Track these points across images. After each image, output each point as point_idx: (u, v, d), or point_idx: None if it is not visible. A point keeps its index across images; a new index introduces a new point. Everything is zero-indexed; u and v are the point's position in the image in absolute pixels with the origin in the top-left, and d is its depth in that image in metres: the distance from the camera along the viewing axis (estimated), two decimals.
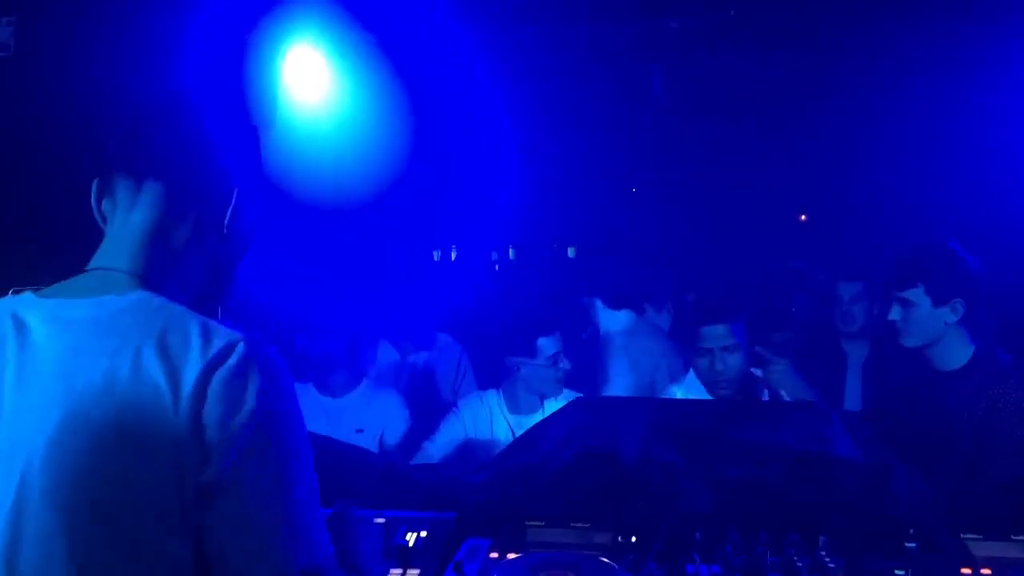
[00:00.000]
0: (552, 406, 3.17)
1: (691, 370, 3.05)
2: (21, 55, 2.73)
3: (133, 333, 1.15)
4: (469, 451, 3.14)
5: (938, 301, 2.66)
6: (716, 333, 2.92)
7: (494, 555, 1.87)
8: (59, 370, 1.14)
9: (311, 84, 3.87)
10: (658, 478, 2.07)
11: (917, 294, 2.67)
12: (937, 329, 2.68)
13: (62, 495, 1.10)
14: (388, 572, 1.81)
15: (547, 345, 3.09)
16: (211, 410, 1.11)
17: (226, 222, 1.31)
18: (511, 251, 7.81)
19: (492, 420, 3.19)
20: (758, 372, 3.00)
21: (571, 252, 7.81)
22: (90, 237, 1.63)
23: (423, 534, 1.95)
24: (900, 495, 2.04)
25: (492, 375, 3.47)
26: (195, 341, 1.14)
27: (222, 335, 1.15)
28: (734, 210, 6.65)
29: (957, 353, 2.71)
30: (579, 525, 1.99)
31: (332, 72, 3.93)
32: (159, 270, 1.26)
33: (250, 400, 1.12)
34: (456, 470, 2.70)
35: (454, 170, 4.94)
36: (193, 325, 1.17)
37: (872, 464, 2.08)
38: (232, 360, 1.13)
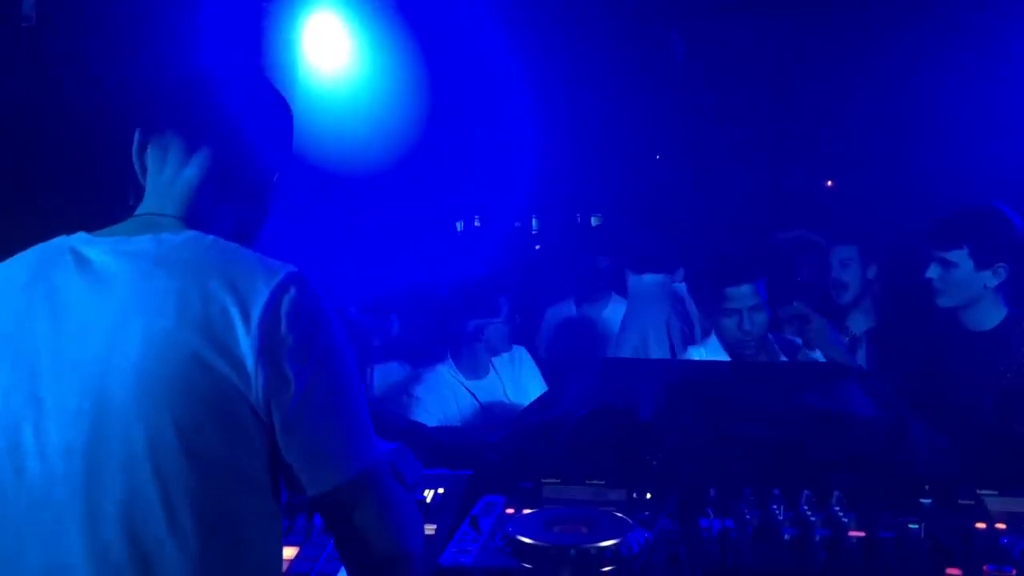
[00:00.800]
0: (500, 363, 3.26)
1: (712, 333, 3.05)
2: (43, 25, 2.76)
3: (195, 264, 1.24)
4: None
5: (981, 264, 2.63)
6: (742, 293, 2.93)
7: (510, 511, 1.90)
8: (129, 294, 1.22)
9: (331, 51, 3.87)
10: (673, 437, 2.09)
11: (961, 255, 2.64)
12: (977, 291, 2.66)
13: (143, 407, 1.17)
14: None
15: (505, 302, 3.20)
16: (283, 338, 1.20)
17: (265, 193, 1.45)
18: (534, 220, 7.80)
19: (454, 391, 3.19)
20: (794, 337, 3.01)
21: (595, 221, 7.79)
22: (112, 205, 1.67)
23: (440, 491, 1.98)
24: (916, 452, 2.04)
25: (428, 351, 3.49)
26: (257, 272, 1.24)
27: (279, 266, 1.26)
28: (758, 176, 6.59)
29: (990, 315, 2.69)
30: (594, 483, 2.01)
31: (351, 39, 3.92)
32: (201, 223, 1.35)
33: (316, 330, 1.23)
34: (475, 429, 2.73)
35: (473, 139, 4.93)
36: (251, 257, 1.27)
37: (888, 422, 2.08)
38: (295, 291, 1.23)
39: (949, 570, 1.58)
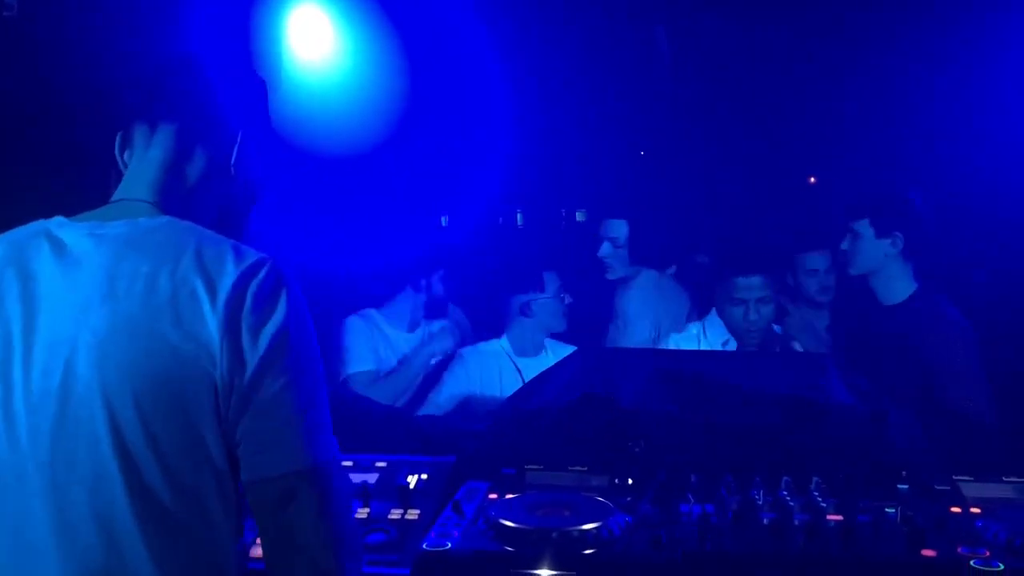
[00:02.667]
0: (554, 346, 3.25)
1: (702, 321, 3.06)
2: (25, 15, 2.74)
3: (168, 248, 1.25)
4: (475, 401, 3.18)
5: (881, 233, 2.95)
6: (752, 284, 2.95)
7: (493, 496, 1.91)
8: (101, 275, 1.22)
9: (314, 43, 3.90)
10: (655, 424, 2.10)
11: (863, 225, 2.96)
12: (879, 259, 2.97)
13: (107, 389, 1.17)
14: (389, 512, 1.86)
15: (552, 278, 3.22)
16: (245, 316, 1.20)
17: (232, 163, 1.43)
18: (519, 216, 7.80)
19: (500, 367, 3.24)
20: (776, 327, 3.05)
21: (580, 216, 7.80)
22: (92, 195, 1.67)
23: (424, 476, 2.00)
24: (894, 440, 2.07)
25: (491, 325, 3.54)
26: (228, 256, 1.24)
27: (251, 252, 1.27)
28: (742, 173, 6.61)
29: (899, 287, 2.98)
30: (577, 469, 2.03)
31: (335, 31, 3.95)
32: (176, 204, 1.36)
33: (279, 310, 1.23)
34: (458, 418, 2.74)
35: (456, 134, 4.93)
36: (223, 243, 1.28)
37: (866, 410, 2.11)
38: (263, 274, 1.24)
39: (924, 552, 1.60)
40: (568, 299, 3.31)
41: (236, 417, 1.21)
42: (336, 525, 1.24)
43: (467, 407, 3.16)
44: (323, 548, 1.21)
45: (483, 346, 3.33)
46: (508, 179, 5.70)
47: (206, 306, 1.19)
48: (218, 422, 1.21)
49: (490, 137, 4.89)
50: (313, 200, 3.60)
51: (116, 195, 1.38)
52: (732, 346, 2.93)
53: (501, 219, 7.47)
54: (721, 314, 3.00)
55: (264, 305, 1.22)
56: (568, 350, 3.35)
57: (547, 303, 3.25)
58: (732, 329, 2.96)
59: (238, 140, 1.43)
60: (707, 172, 6.49)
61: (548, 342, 3.31)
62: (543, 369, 2.93)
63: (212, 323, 1.18)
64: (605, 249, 3.65)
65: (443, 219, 6.93)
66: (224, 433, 1.21)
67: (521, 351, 3.28)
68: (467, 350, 3.33)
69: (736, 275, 2.95)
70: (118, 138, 1.44)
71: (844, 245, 3.02)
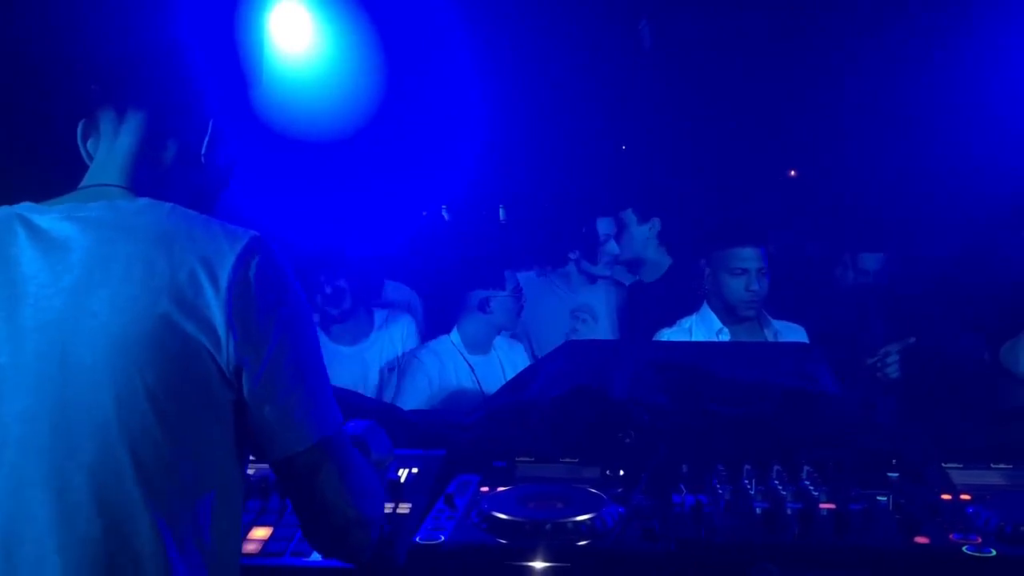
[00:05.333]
0: (500, 344, 3.29)
1: (692, 316, 3.06)
2: None
3: (157, 230, 1.22)
4: (435, 400, 3.16)
5: (641, 220, 3.62)
6: (750, 254, 2.95)
7: (484, 489, 1.90)
8: (91, 259, 1.20)
9: (296, 36, 3.91)
10: (646, 415, 2.10)
11: (628, 214, 3.60)
12: (642, 242, 3.63)
13: (115, 372, 1.15)
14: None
15: (510, 276, 3.25)
16: (252, 301, 1.20)
17: (203, 151, 1.39)
18: (501, 211, 7.78)
19: (455, 363, 3.22)
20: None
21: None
22: (64, 179, 1.63)
23: (414, 470, 1.98)
24: (884, 428, 2.08)
25: (439, 321, 3.52)
26: (221, 237, 1.23)
27: (240, 231, 1.25)
28: (722, 166, 6.63)
29: (658, 265, 3.66)
30: (568, 460, 2.02)
31: (316, 24, 3.96)
32: (148, 191, 1.32)
33: (282, 290, 1.24)
34: (448, 411, 2.72)
35: (434, 127, 4.91)
36: (211, 222, 1.26)
37: (856, 398, 2.11)
38: (260, 255, 1.23)
39: (917, 539, 1.61)
40: (524, 299, 3.31)
41: (252, 400, 1.22)
42: (358, 484, 1.33)
43: (427, 406, 3.14)
44: (349, 507, 1.31)
45: (434, 344, 3.28)
46: (487, 173, 5.69)
47: (208, 289, 1.18)
48: (225, 405, 1.22)
49: (469, 131, 4.88)
50: (289, 186, 3.60)
51: (85, 181, 1.35)
52: (726, 337, 2.93)
53: (478, 214, 7.44)
54: (720, 288, 2.98)
55: (267, 287, 1.22)
56: (516, 348, 3.36)
57: (505, 301, 3.24)
58: (732, 302, 2.95)
59: (209, 128, 1.39)
60: (690, 166, 6.52)
61: (496, 340, 3.31)
62: (492, 366, 2.94)
63: (216, 307, 1.18)
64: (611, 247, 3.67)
65: (440, 210, 6.92)
66: (231, 416, 1.23)
67: (473, 347, 3.25)
68: (421, 351, 3.27)
69: (736, 245, 2.95)
70: (80, 126, 1.40)
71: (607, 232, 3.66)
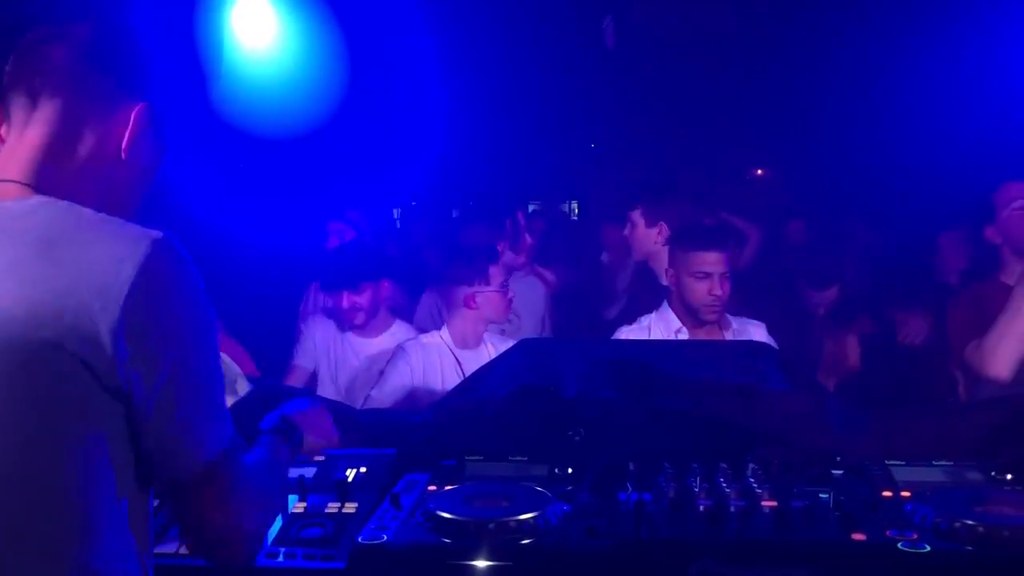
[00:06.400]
0: (493, 339, 3.30)
1: (651, 314, 3.07)
2: None
3: (42, 235, 1.13)
4: (417, 394, 3.16)
5: (649, 223, 3.51)
6: (714, 259, 2.95)
7: (432, 488, 1.90)
8: None
9: (258, 32, 3.91)
10: (596, 413, 2.11)
11: (636, 215, 3.53)
12: (651, 245, 3.53)
13: None
14: (326, 506, 1.84)
15: (497, 273, 3.24)
16: (146, 310, 1.11)
17: (124, 146, 1.28)
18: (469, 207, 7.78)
19: (441, 359, 3.23)
20: None
21: (531, 207, 7.81)
22: None
23: (363, 470, 1.98)
24: (830, 425, 2.10)
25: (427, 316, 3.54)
26: (118, 240, 1.13)
27: (142, 234, 1.15)
28: (689, 165, 6.68)
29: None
30: (517, 459, 2.03)
31: (278, 20, 3.96)
32: (54, 188, 1.21)
33: (181, 301, 1.16)
34: (399, 411, 2.72)
35: (397, 125, 4.91)
36: (110, 224, 1.16)
37: (803, 396, 2.14)
38: (160, 260, 1.13)
39: (855, 535, 1.63)
40: (511, 293, 3.32)
41: (145, 418, 1.15)
42: (245, 494, 1.26)
43: (409, 401, 3.15)
44: (231, 520, 1.24)
45: (424, 339, 3.31)
46: (454, 170, 5.70)
47: (94, 302, 1.08)
48: (112, 421, 1.13)
49: (433, 128, 4.89)
50: (250, 181, 3.59)
51: None
52: (684, 336, 2.94)
53: (454, 212, 7.46)
54: (682, 291, 2.99)
55: (167, 302, 1.14)
56: (507, 343, 3.37)
57: (491, 296, 3.25)
58: (694, 306, 2.95)
59: (131, 122, 1.28)
60: (658, 162, 6.56)
61: (487, 335, 3.31)
62: (482, 362, 2.95)
63: (104, 321, 1.08)
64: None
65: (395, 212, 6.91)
66: (122, 432, 1.15)
67: (462, 343, 3.27)
68: (409, 344, 3.30)
69: (699, 249, 2.96)
70: None
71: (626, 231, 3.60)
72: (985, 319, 2.61)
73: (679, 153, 6.56)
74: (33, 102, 1.25)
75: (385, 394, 3.16)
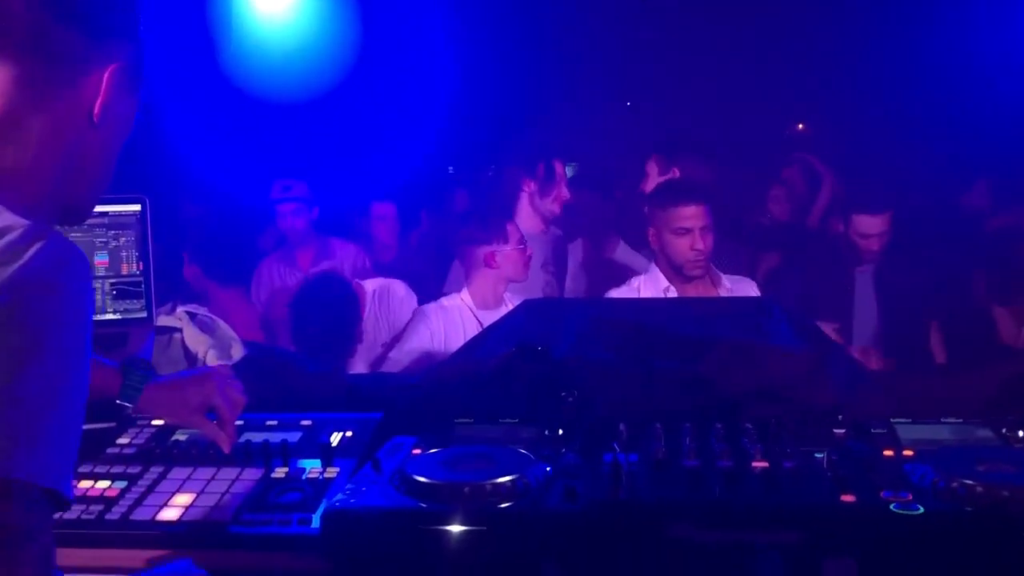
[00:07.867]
0: (512, 298, 3.29)
1: (641, 276, 3.02)
2: None
3: None
4: (437, 357, 3.15)
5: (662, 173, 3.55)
6: (692, 212, 2.89)
7: (417, 451, 1.87)
8: None
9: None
10: (589, 373, 2.05)
11: (650, 165, 3.53)
12: None
13: None
14: (307, 470, 1.82)
15: (514, 230, 3.24)
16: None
17: (96, 112, 1.13)
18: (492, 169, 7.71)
19: (463, 320, 3.22)
20: None
21: (570, 170, 7.69)
22: None
23: (348, 434, 1.96)
24: (834, 383, 2.01)
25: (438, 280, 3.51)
26: None
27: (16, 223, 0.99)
28: (729, 119, 6.51)
29: None
30: (507, 421, 1.98)
31: None
32: (5, 165, 1.08)
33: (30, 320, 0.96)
34: (390, 374, 2.70)
35: (413, 86, 4.85)
36: None
37: (806, 352, 2.04)
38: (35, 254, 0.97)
39: (844, 497, 1.55)
40: (529, 250, 3.30)
41: None
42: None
43: (429, 363, 3.13)
44: None
45: (445, 301, 3.31)
46: (480, 131, 5.63)
47: None
48: None
49: (453, 88, 4.82)
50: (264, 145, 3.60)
51: None
52: (673, 294, 2.87)
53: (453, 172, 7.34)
54: (665, 249, 2.92)
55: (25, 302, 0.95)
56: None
57: (510, 254, 3.21)
58: (678, 262, 2.89)
59: (103, 85, 1.13)
60: (693, 119, 6.39)
61: (508, 295, 3.29)
62: None
63: None
64: None
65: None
66: None
67: (483, 304, 3.26)
68: (430, 306, 3.31)
69: (678, 204, 2.89)
70: None
71: None
72: None
73: (717, 110, 6.39)
74: None
75: (404, 355, 3.16)
